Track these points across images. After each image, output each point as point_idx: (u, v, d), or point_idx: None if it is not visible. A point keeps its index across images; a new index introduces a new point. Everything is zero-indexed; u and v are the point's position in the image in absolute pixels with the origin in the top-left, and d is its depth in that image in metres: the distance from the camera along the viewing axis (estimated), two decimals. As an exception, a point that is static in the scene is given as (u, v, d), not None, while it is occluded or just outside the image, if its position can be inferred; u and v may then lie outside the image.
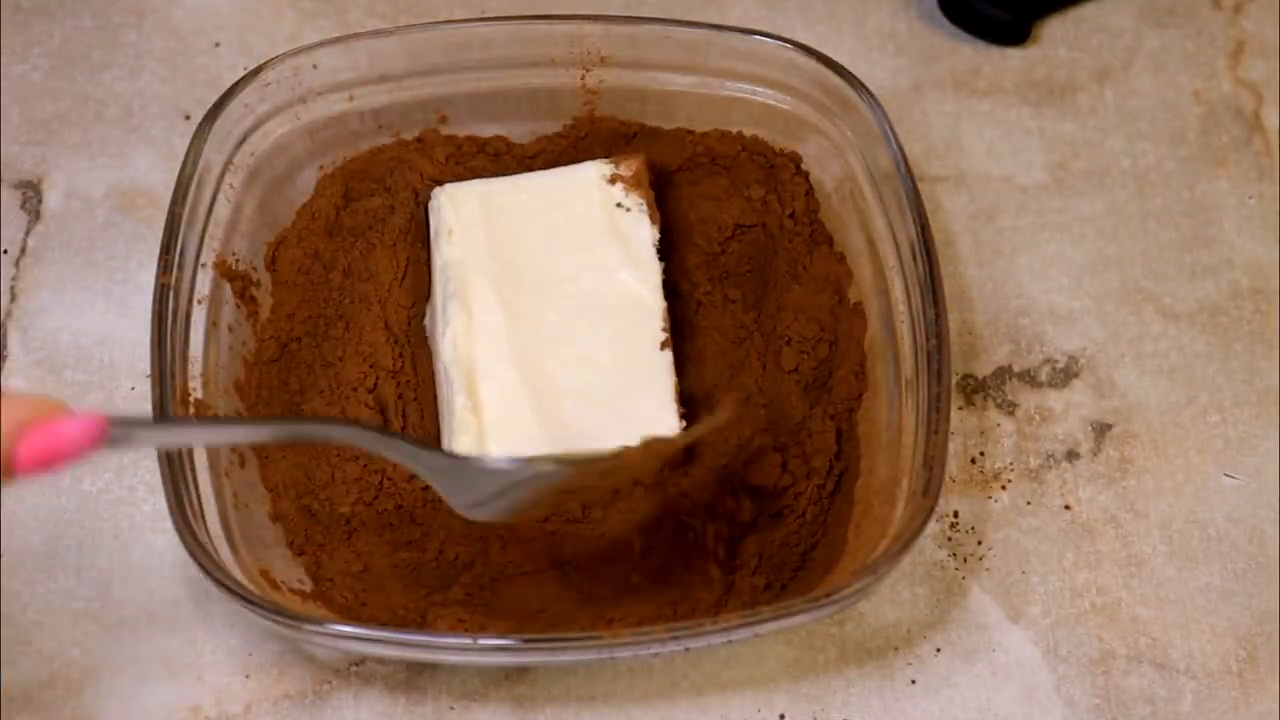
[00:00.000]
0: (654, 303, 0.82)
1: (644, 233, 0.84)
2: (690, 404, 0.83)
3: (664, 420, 0.80)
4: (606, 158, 0.85)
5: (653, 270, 0.83)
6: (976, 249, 0.90)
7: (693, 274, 0.87)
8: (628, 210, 0.84)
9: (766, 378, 0.84)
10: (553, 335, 0.81)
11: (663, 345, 0.81)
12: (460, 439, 0.79)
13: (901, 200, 0.81)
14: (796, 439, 0.82)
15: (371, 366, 0.83)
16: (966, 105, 0.95)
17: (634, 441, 0.78)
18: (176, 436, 0.74)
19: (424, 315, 0.85)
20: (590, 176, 0.85)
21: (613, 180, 0.85)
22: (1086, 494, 0.84)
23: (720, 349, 0.85)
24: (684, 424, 0.80)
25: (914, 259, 0.79)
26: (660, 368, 0.81)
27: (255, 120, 0.84)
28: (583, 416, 0.79)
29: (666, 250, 0.84)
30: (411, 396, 0.84)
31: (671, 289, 0.84)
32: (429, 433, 0.83)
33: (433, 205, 0.85)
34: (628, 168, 0.85)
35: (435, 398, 0.83)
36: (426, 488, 0.81)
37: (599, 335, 0.82)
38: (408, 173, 0.87)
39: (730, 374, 0.85)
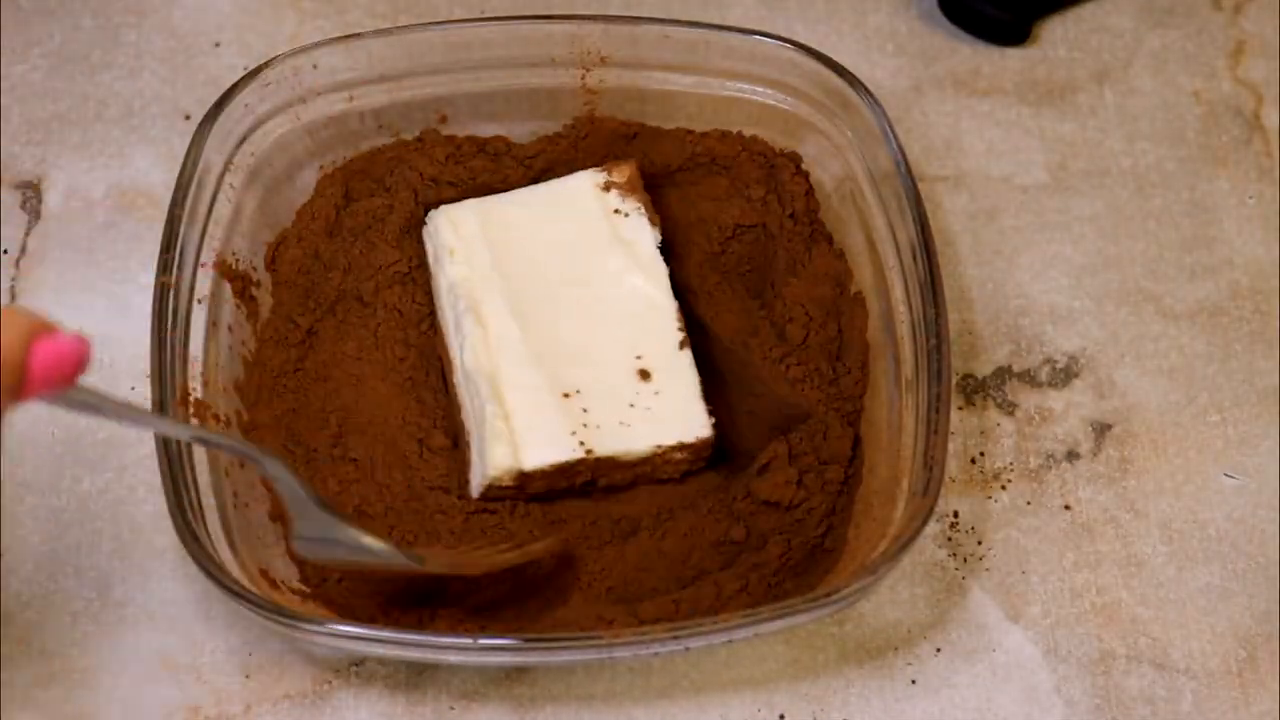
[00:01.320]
0: (666, 304, 0.82)
1: (646, 236, 0.84)
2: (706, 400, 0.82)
3: (694, 418, 0.80)
4: (600, 164, 0.85)
5: (660, 272, 0.83)
6: (976, 249, 0.90)
7: (693, 274, 0.87)
8: (626, 215, 0.84)
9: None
10: (570, 342, 0.81)
11: (681, 345, 0.81)
12: (495, 448, 0.78)
13: (901, 200, 0.81)
14: (812, 443, 0.81)
15: (372, 365, 0.83)
16: (966, 105, 0.95)
17: (667, 441, 0.78)
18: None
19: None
20: (584, 185, 0.85)
21: (607, 187, 0.84)
22: (1086, 494, 0.84)
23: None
24: (712, 419, 0.80)
25: (914, 259, 0.79)
26: (683, 367, 0.81)
27: (255, 120, 0.84)
28: (611, 420, 0.79)
29: (667, 251, 0.84)
30: (412, 396, 0.84)
31: (679, 289, 0.84)
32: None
33: (429, 229, 0.85)
34: (620, 174, 0.85)
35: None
36: (429, 487, 0.81)
37: (616, 339, 0.81)
38: (408, 173, 0.87)
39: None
